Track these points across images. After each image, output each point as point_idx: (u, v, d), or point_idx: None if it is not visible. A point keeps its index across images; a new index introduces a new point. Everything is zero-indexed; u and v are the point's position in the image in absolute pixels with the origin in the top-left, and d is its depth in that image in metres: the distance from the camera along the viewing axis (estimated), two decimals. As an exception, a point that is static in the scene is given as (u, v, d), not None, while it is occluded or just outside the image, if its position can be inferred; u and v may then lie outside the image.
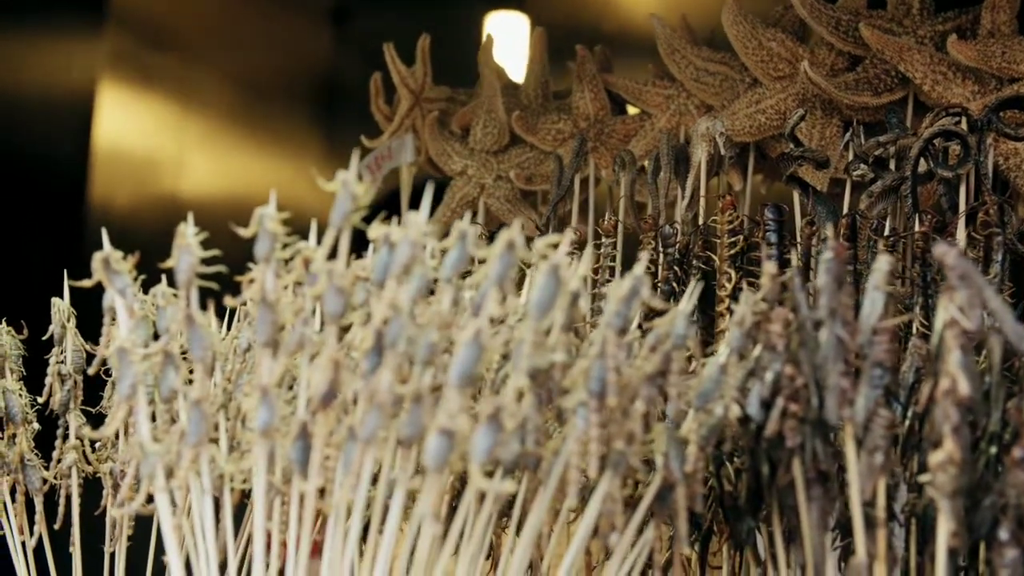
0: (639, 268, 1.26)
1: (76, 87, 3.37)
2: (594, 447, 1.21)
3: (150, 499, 1.32)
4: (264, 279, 1.27)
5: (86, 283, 1.35)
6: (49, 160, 3.24)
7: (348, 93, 3.51)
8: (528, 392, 1.26)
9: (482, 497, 1.23)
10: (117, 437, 1.53)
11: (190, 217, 1.32)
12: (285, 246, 1.27)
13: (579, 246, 1.79)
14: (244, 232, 1.28)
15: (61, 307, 1.59)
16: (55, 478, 1.58)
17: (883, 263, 1.32)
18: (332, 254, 1.25)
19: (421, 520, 1.17)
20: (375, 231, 1.25)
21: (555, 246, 1.22)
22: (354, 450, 1.19)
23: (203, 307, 1.32)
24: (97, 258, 1.35)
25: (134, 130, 3.46)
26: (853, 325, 1.29)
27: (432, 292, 1.27)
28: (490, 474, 1.19)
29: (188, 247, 1.30)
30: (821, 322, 1.29)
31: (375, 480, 1.26)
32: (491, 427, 1.18)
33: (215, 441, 1.34)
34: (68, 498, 1.58)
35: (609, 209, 1.92)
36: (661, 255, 1.76)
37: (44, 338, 1.61)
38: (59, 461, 1.58)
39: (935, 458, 1.23)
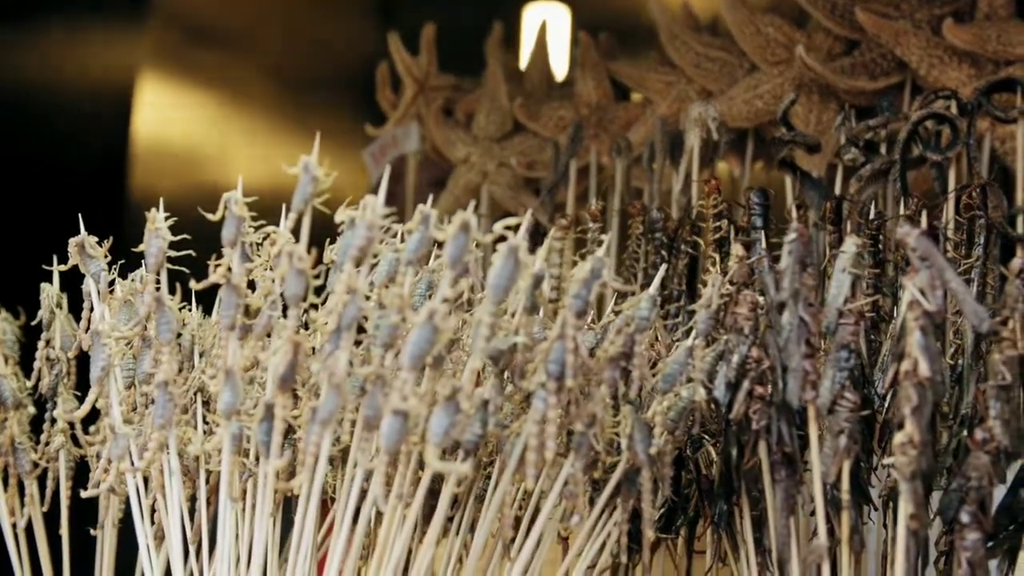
0: (601, 251, 1.26)
1: (117, 80, 3.40)
2: (551, 429, 1.21)
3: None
4: (231, 263, 1.28)
5: (62, 267, 1.37)
6: (90, 153, 3.28)
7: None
8: (491, 374, 1.27)
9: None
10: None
11: (160, 203, 1.33)
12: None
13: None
14: (212, 216, 1.29)
15: (50, 292, 1.60)
16: (44, 461, 1.60)
17: (850, 245, 1.32)
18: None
19: (375, 501, 1.17)
20: (341, 215, 1.26)
21: (514, 228, 1.22)
22: (314, 431, 1.20)
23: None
24: (72, 243, 1.37)
25: (176, 123, 3.48)
26: (817, 307, 1.29)
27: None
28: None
29: (158, 232, 1.32)
30: (785, 304, 1.29)
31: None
32: (448, 408, 1.18)
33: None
34: (57, 480, 1.60)
35: (597, 195, 1.92)
36: (650, 240, 1.76)
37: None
38: (47, 444, 1.60)
39: (896, 440, 1.22)
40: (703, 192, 1.68)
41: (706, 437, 1.47)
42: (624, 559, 1.34)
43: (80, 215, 1.38)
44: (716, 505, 1.42)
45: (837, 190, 1.80)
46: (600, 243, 1.79)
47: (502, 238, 1.22)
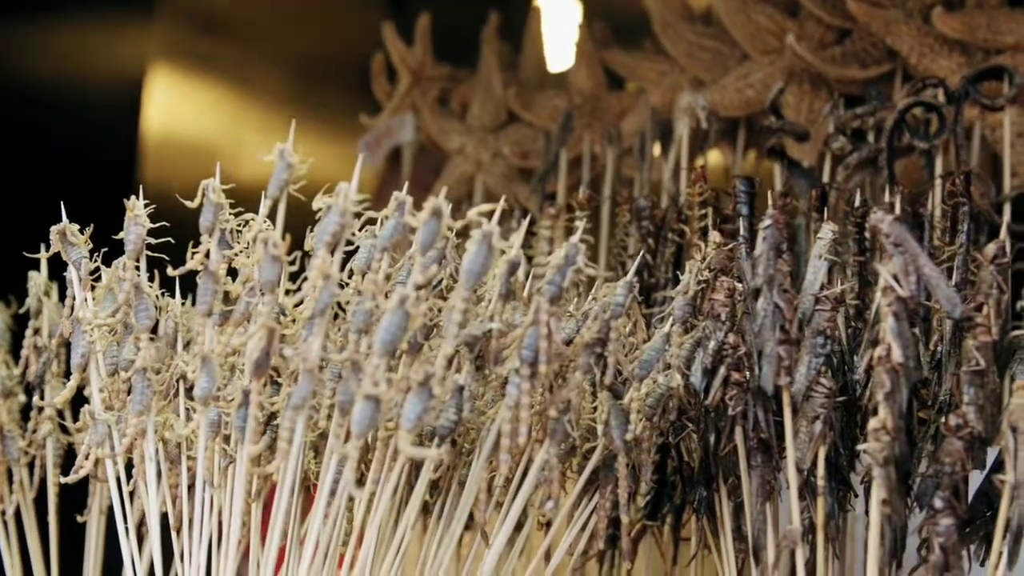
0: (575, 237, 1.26)
1: (128, 72, 3.41)
2: (524, 415, 1.22)
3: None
4: (209, 250, 1.29)
5: (43, 255, 1.38)
6: (101, 145, 3.29)
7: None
8: (467, 360, 1.27)
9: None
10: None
11: (140, 191, 1.34)
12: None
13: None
14: (190, 204, 1.30)
15: (38, 280, 1.61)
16: (32, 448, 1.61)
17: (826, 232, 1.33)
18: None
19: (346, 486, 1.18)
20: (319, 201, 1.27)
21: (488, 215, 1.22)
22: (287, 416, 1.21)
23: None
24: (54, 230, 1.38)
25: (187, 115, 3.49)
26: (792, 293, 1.29)
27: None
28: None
29: (137, 219, 1.32)
30: (760, 290, 1.29)
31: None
32: (421, 394, 1.19)
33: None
34: (45, 467, 1.61)
35: (590, 184, 1.93)
36: (637, 228, 1.76)
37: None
38: (35, 431, 1.61)
39: (869, 425, 1.22)
40: (690, 180, 1.68)
41: (689, 424, 1.47)
42: (601, 545, 1.34)
43: (63, 204, 1.39)
44: (696, 492, 1.42)
45: (826, 179, 1.79)
46: (585, 230, 1.80)
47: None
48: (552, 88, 2.26)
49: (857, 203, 1.62)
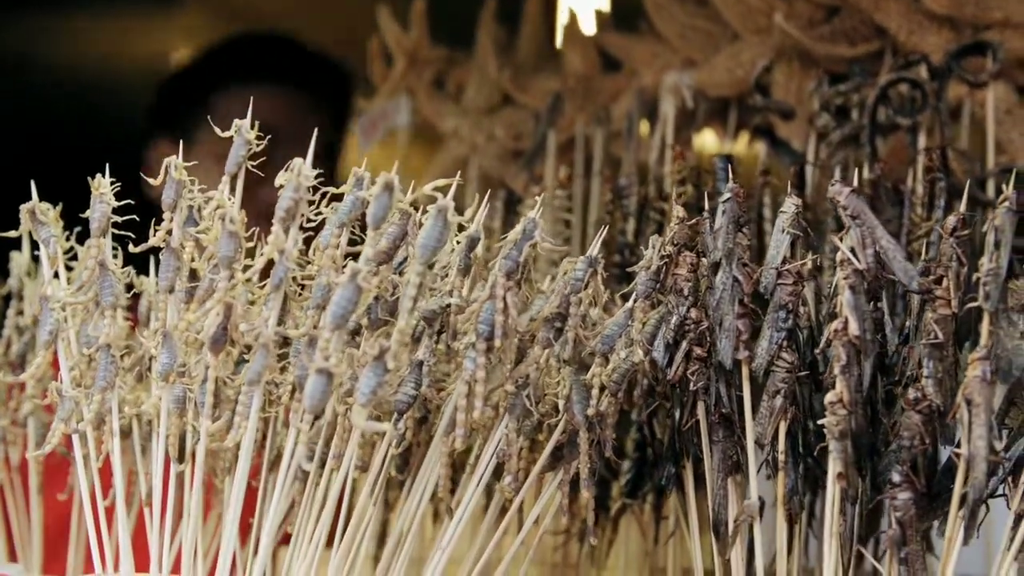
0: (533, 213, 1.27)
1: (153, 61, 3.44)
2: (480, 389, 1.22)
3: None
4: (171, 227, 1.29)
5: (12, 233, 1.39)
6: (125, 134, 3.32)
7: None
8: (425, 336, 1.28)
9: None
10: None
11: (107, 168, 1.35)
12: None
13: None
14: (153, 182, 1.31)
15: (19, 260, 1.63)
16: (15, 426, 1.63)
17: (789, 205, 1.32)
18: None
19: (298, 461, 1.19)
20: (282, 177, 1.27)
21: (443, 190, 1.23)
22: (243, 391, 1.22)
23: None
24: (23, 209, 1.39)
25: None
26: (752, 267, 1.29)
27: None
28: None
29: (103, 197, 1.33)
30: (719, 264, 1.29)
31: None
32: (376, 369, 1.19)
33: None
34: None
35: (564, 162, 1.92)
36: (617, 207, 1.76)
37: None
38: (16, 410, 1.62)
39: (826, 399, 1.22)
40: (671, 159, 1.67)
41: (662, 401, 1.47)
42: (565, 520, 1.34)
43: (33, 183, 1.40)
44: (665, 468, 1.42)
45: (813, 157, 1.78)
46: (569, 210, 1.80)
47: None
48: (548, 71, 2.26)
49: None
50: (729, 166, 1.65)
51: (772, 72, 1.94)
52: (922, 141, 1.68)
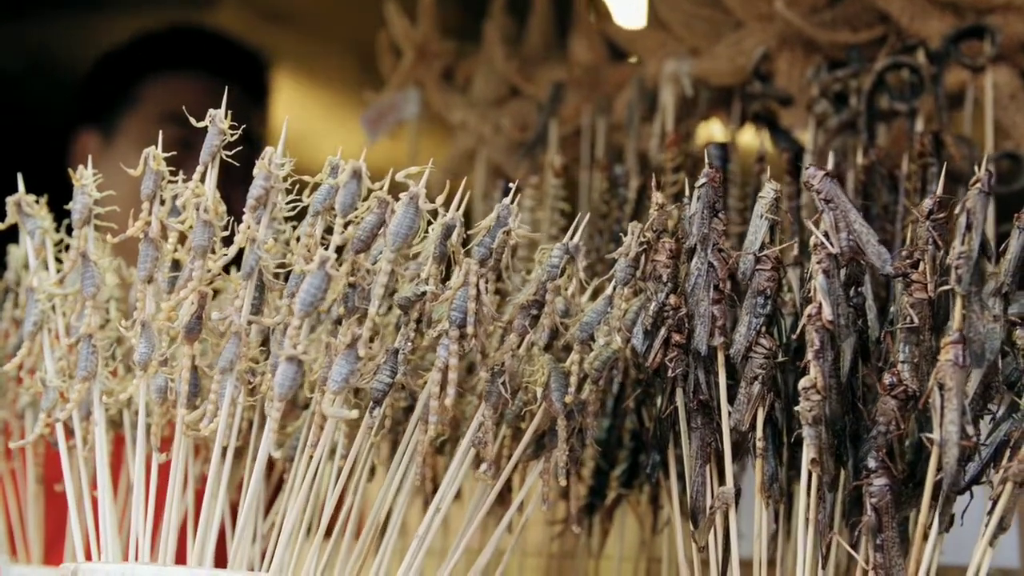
0: (507, 200, 1.26)
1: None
2: (452, 376, 1.22)
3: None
4: (150, 217, 1.30)
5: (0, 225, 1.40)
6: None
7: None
8: (401, 324, 1.28)
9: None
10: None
11: (89, 161, 1.36)
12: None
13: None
14: (133, 172, 1.31)
15: (16, 254, 1.64)
16: (12, 417, 1.64)
17: (768, 191, 1.31)
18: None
19: (270, 451, 1.19)
20: (259, 166, 1.27)
21: (416, 177, 1.23)
22: (216, 379, 1.22)
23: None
24: (10, 201, 1.41)
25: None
26: (728, 252, 1.28)
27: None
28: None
29: (84, 189, 1.34)
30: (694, 249, 1.28)
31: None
32: (348, 356, 1.19)
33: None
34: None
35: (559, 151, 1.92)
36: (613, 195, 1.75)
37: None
38: (14, 402, 1.64)
39: (800, 384, 1.21)
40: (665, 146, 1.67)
41: (649, 389, 1.46)
42: (546, 508, 1.33)
43: (21, 176, 1.41)
44: (650, 455, 1.41)
45: (811, 144, 1.77)
46: (566, 199, 1.80)
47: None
48: (555, 62, 2.25)
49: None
50: (724, 154, 1.66)
51: (775, 60, 1.92)
52: (920, 126, 1.67)
